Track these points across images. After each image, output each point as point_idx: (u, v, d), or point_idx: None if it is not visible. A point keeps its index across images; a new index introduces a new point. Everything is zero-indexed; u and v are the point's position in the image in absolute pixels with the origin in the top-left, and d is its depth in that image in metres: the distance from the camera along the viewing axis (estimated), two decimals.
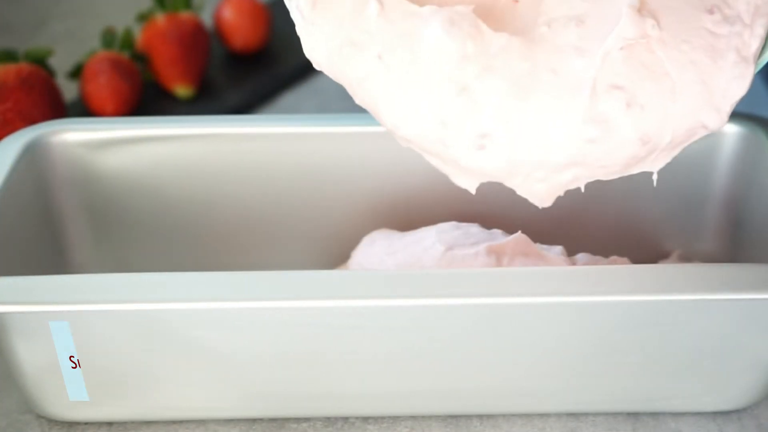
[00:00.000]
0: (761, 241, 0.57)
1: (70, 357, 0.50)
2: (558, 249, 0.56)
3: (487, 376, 0.51)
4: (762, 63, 0.51)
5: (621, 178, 0.51)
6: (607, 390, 0.52)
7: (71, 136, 0.59)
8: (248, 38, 0.84)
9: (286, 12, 0.52)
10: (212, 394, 0.52)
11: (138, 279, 0.49)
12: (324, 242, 0.61)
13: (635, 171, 0.49)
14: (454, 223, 0.57)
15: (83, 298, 0.48)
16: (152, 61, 0.79)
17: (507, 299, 0.48)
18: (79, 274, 0.59)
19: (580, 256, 0.56)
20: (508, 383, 0.52)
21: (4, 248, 0.53)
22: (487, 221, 0.58)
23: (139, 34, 0.80)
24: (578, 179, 0.49)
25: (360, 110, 0.53)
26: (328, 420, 0.53)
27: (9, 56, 0.72)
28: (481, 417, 0.53)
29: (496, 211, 0.59)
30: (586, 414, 0.53)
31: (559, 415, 0.53)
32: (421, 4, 0.50)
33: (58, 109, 0.72)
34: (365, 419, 0.53)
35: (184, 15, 0.80)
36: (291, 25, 0.52)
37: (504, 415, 0.53)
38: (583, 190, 0.50)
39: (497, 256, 0.54)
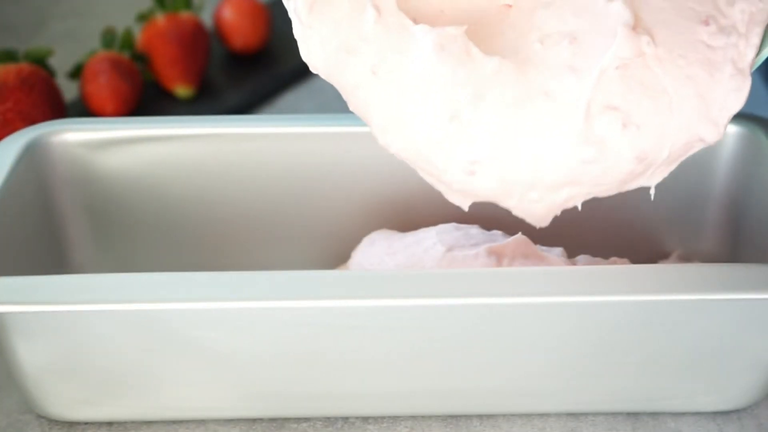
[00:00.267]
0: (761, 241, 0.57)
1: (70, 357, 0.50)
2: (558, 250, 0.56)
3: (487, 376, 0.51)
4: (757, 64, 0.51)
5: None
6: (607, 390, 0.52)
7: (71, 136, 0.59)
8: (248, 38, 0.84)
9: (286, 12, 0.52)
10: (212, 394, 0.52)
11: (138, 279, 0.49)
12: (324, 242, 0.61)
13: (633, 187, 0.49)
14: (454, 224, 0.57)
15: (83, 298, 0.48)
16: (152, 61, 0.79)
17: (507, 299, 0.48)
18: (79, 274, 0.59)
19: (581, 258, 0.56)
20: (508, 383, 0.52)
21: (4, 248, 0.53)
22: (488, 222, 0.58)
23: (139, 34, 0.80)
24: (574, 198, 0.49)
25: None
26: (328, 420, 0.53)
27: (9, 56, 0.72)
28: (481, 417, 0.53)
29: (497, 213, 0.59)
30: (586, 414, 0.53)
31: (559, 415, 0.53)
32: (417, 17, 0.50)
33: (58, 109, 0.72)
34: (365, 419, 0.53)
35: (184, 15, 0.80)
36: (291, 25, 0.52)
37: (504, 415, 0.53)
38: (579, 208, 0.50)
39: (497, 258, 0.54)
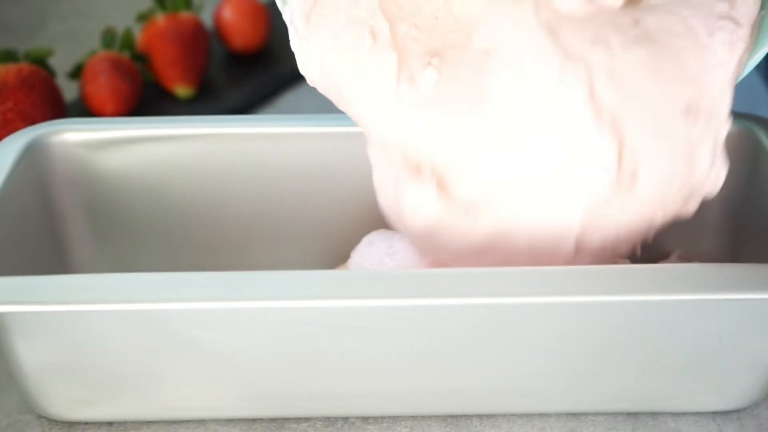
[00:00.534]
0: (761, 241, 0.57)
1: (70, 357, 0.50)
2: None
3: (487, 376, 0.51)
4: (747, 71, 0.51)
5: None
6: (607, 390, 0.52)
7: (71, 136, 0.59)
8: (248, 38, 0.84)
9: None
10: (212, 394, 0.52)
11: (138, 279, 0.49)
12: (324, 242, 0.61)
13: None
14: None
15: (83, 298, 0.48)
16: (152, 61, 0.79)
17: (507, 299, 0.48)
18: (79, 274, 0.59)
19: None
20: (508, 383, 0.52)
21: (4, 248, 0.53)
22: None
23: (139, 35, 0.80)
24: None
25: None
26: (328, 420, 0.53)
27: (9, 56, 0.72)
28: (481, 417, 0.53)
29: None
30: (586, 414, 0.53)
31: (559, 415, 0.53)
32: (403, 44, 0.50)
33: (58, 109, 0.72)
34: (365, 419, 0.53)
35: (184, 15, 0.80)
36: None
37: (504, 415, 0.53)
38: None
39: None
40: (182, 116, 0.63)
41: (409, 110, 0.50)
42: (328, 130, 0.59)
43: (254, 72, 0.84)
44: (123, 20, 0.87)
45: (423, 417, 0.53)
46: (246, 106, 0.81)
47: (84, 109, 0.77)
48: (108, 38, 0.77)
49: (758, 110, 0.63)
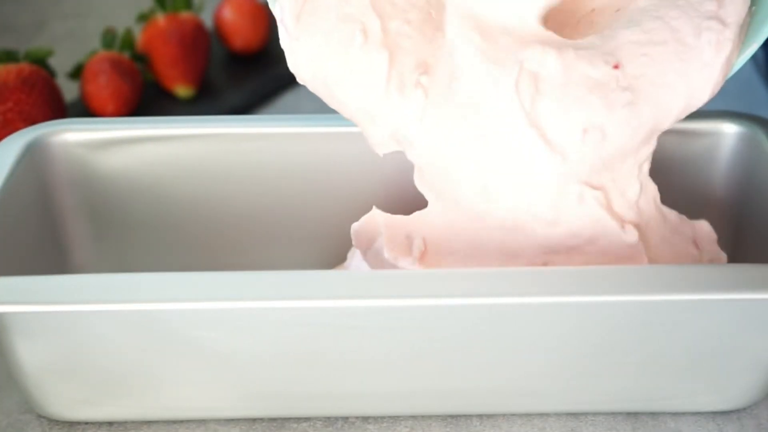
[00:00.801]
0: (761, 241, 0.57)
1: (70, 357, 0.50)
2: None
3: (487, 376, 0.51)
4: (737, 67, 0.51)
5: None
6: (607, 390, 0.52)
7: (71, 136, 0.59)
8: (248, 38, 0.84)
9: None
10: (212, 394, 0.52)
11: (138, 279, 0.49)
12: (324, 242, 0.61)
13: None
14: None
15: (83, 298, 0.48)
16: (152, 62, 0.79)
17: (507, 299, 0.48)
18: (79, 274, 0.59)
19: None
20: (508, 383, 0.52)
21: (4, 248, 0.53)
22: None
23: (139, 35, 0.80)
24: None
25: None
26: (328, 420, 0.53)
27: (9, 56, 0.72)
28: (481, 417, 0.53)
29: None
30: (585, 414, 0.53)
31: (559, 415, 0.53)
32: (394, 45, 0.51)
33: (59, 109, 0.72)
34: (365, 419, 0.53)
35: (185, 15, 0.80)
36: None
37: (504, 415, 0.53)
38: None
39: None
40: (182, 116, 0.63)
41: (398, 113, 0.51)
42: (328, 130, 0.59)
43: (254, 72, 0.84)
44: (123, 20, 0.87)
45: (423, 417, 0.53)
46: (246, 106, 0.81)
47: (84, 109, 0.77)
48: (108, 38, 0.77)
49: (758, 110, 0.63)
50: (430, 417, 0.53)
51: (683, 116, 0.50)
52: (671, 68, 0.49)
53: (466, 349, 0.50)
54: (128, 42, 0.78)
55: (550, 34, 0.51)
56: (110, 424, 0.53)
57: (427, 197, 0.53)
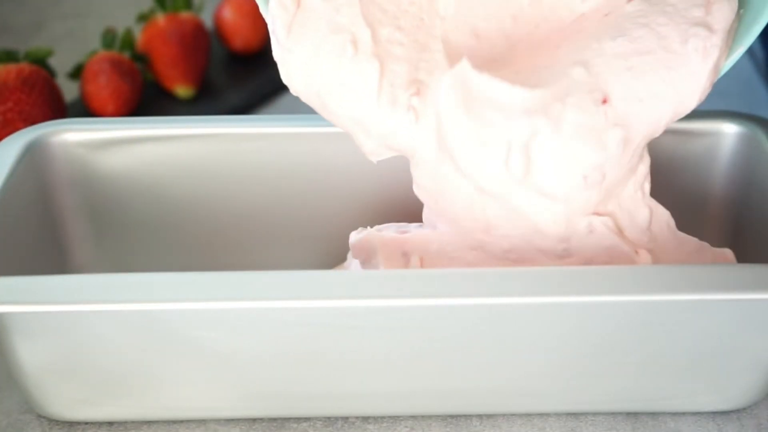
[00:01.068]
0: (761, 241, 0.57)
1: (70, 357, 0.50)
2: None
3: (487, 376, 0.51)
4: (726, 69, 0.51)
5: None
6: (607, 390, 0.52)
7: (71, 136, 0.59)
8: (248, 38, 0.84)
9: None
10: (212, 394, 0.52)
11: (138, 279, 0.49)
12: (324, 242, 0.61)
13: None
14: None
15: (83, 298, 0.48)
16: (152, 62, 0.79)
17: (507, 299, 0.48)
18: (79, 274, 0.59)
19: None
20: (508, 383, 0.52)
21: (4, 248, 0.53)
22: None
23: (139, 35, 0.80)
24: None
25: None
26: (328, 420, 0.53)
27: (9, 56, 0.72)
28: (481, 417, 0.53)
29: None
30: (585, 414, 0.53)
31: (559, 415, 0.53)
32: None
33: (59, 109, 0.72)
34: (365, 419, 0.53)
35: (185, 15, 0.80)
36: None
37: (504, 415, 0.53)
38: None
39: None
40: (182, 116, 0.63)
41: (390, 124, 0.51)
42: (328, 130, 0.59)
43: (254, 72, 0.84)
44: (123, 20, 0.87)
45: (423, 417, 0.53)
46: (246, 106, 0.81)
47: (84, 109, 0.77)
48: (108, 38, 0.77)
49: (758, 110, 0.63)
50: (430, 417, 0.53)
51: (672, 123, 0.50)
52: (658, 78, 0.49)
53: (466, 349, 0.50)
54: (128, 42, 0.78)
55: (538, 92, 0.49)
56: (110, 424, 0.53)
57: (425, 204, 0.53)
